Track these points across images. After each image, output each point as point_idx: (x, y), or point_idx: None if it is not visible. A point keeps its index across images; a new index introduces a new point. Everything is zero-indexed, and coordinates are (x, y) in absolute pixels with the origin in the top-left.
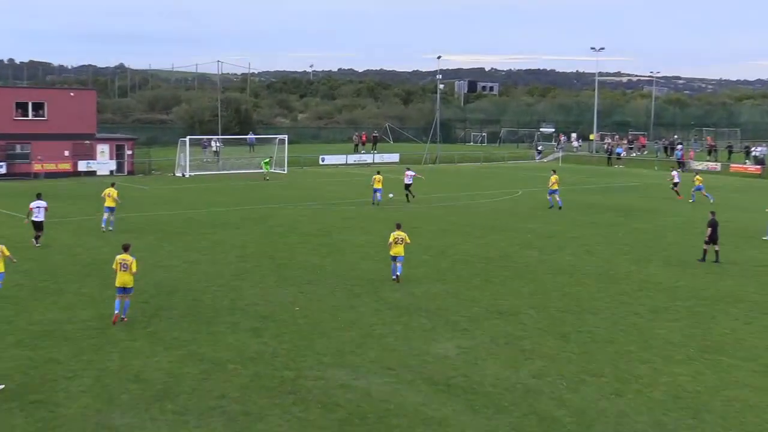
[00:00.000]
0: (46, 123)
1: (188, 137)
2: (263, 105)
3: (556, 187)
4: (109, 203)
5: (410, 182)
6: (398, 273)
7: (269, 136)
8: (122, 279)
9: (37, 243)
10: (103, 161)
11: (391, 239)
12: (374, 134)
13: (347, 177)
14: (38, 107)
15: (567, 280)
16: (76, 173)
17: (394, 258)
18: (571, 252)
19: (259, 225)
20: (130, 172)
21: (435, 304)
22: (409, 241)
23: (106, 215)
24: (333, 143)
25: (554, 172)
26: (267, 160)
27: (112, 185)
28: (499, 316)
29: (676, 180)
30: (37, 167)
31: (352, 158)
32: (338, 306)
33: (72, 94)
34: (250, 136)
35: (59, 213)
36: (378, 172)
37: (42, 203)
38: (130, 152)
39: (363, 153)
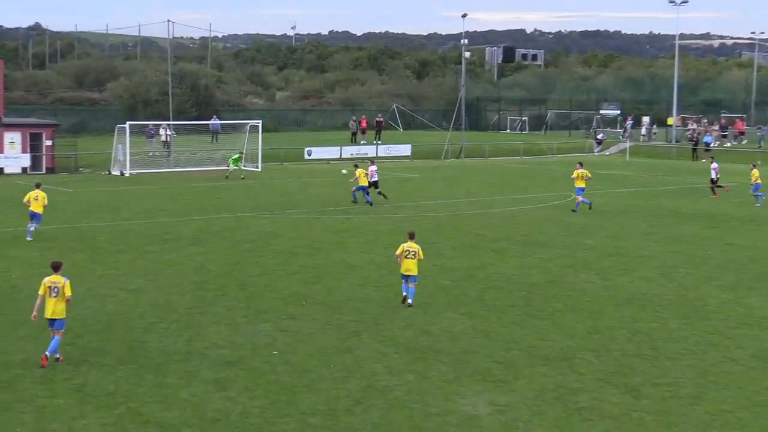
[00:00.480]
0: None
1: (128, 123)
2: (229, 80)
3: (582, 184)
4: (35, 207)
5: (377, 179)
6: (410, 299)
7: (238, 122)
8: (52, 307)
9: None
10: (12, 155)
11: (399, 251)
12: (378, 119)
13: (342, 176)
14: None
15: (637, 313)
16: None
17: (406, 277)
18: (642, 276)
19: (224, 240)
20: (50, 170)
21: (459, 345)
22: (422, 256)
23: (31, 225)
24: (323, 131)
25: (581, 165)
26: (237, 156)
27: (38, 186)
28: (546, 363)
29: (714, 175)
30: None
31: (349, 151)
32: (329, 348)
33: None
34: (213, 121)
35: None
36: (356, 166)
37: None
38: (49, 143)
39: (363, 144)
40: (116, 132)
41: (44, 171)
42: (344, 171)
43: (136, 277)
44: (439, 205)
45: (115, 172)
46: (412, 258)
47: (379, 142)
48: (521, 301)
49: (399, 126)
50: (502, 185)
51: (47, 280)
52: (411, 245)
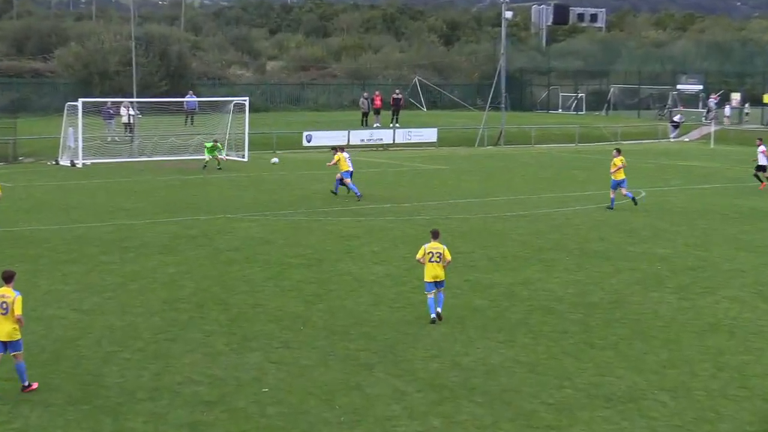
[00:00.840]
0: None
1: (81, 100)
2: (209, 46)
3: (621, 175)
4: None
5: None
6: (439, 307)
7: (219, 99)
8: (1, 328)
9: None
10: None
11: (420, 254)
12: (395, 95)
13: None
14: None
15: (724, 343)
16: None
17: (433, 286)
18: (730, 295)
19: (201, 248)
20: None
21: (497, 382)
22: (449, 258)
23: None
24: (325, 110)
25: (618, 152)
26: (211, 144)
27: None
28: (609, 405)
29: (763, 161)
30: None
31: (359, 136)
32: (334, 384)
33: None
34: (188, 98)
35: None
36: (336, 149)
37: None
38: None
39: (377, 127)
40: (66, 112)
41: None
42: (275, 160)
43: (91, 293)
44: (472, 204)
45: (65, 162)
46: (437, 261)
47: (397, 125)
48: (576, 326)
49: (422, 105)
50: (552, 180)
51: None
52: (435, 246)
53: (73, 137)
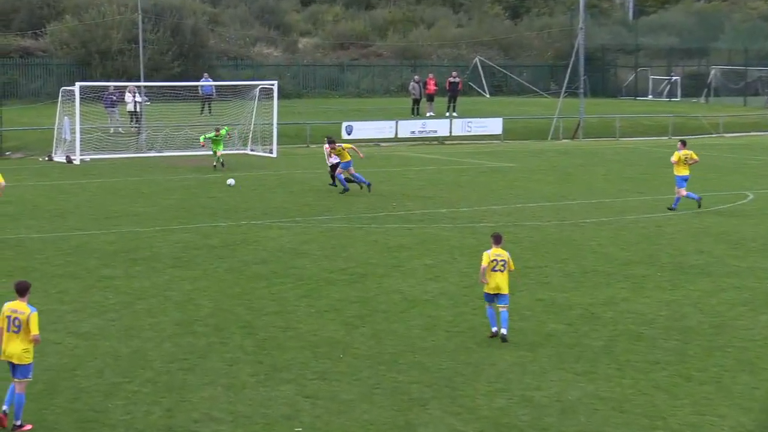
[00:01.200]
0: None
1: (78, 84)
2: (229, 20)
3: (685, 171)
4: None
5: (336, 161)
6: (504, 329)
7: (241, 83)
8: (11, 347)
9: None
10: None
11: (485, 261)
12: (452, 78)
13: (398, 165)
14: None
15: None
16: None
17: (492, 297)
18: None
19: (222, 260)
20: None
21: (575, 421)
22: (513, 267)
23: None
24: (368, 97)
25: (683, 144)
26: (213, 134)
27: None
28: None
29: None
30: None
31: (408, 127)
32: (379, 423)
33: None
34: (205, 81)
35: None
36: (331, 142)
37: None
38: None
39: (430, 117)
40: (60, 98)
41: None
42: (231, 182)
43: (91, 314)
44: (545, 209)
45: (60, 158)
46: (501, 270)
47: (455, 114)
48: (670, 355)
49: (484, 90)
50: (640, 180)
51: (6, 308)
52: (499, 252)
53: (69, 128)
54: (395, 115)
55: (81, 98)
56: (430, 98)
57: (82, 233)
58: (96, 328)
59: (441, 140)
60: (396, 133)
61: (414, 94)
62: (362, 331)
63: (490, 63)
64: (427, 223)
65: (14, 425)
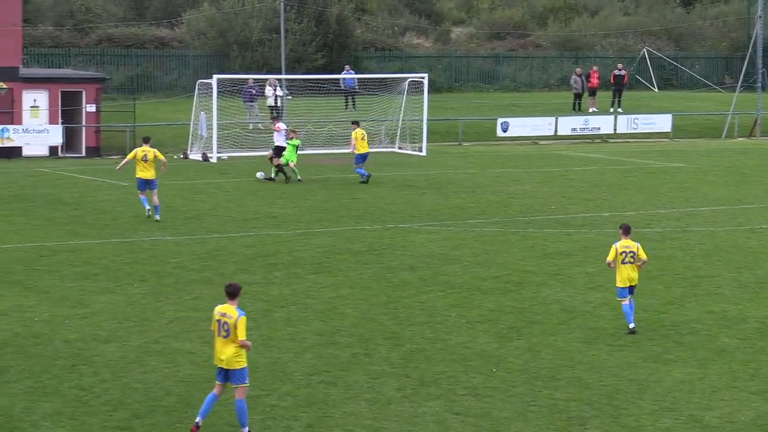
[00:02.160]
0: None
1: (215, 77)
2: (377, 9)
3: None
4: (144, 172)
5: (283, 144)
6: (631, 323)
7: (390, 76)
8: (220, 352)
9: None
10: (36, 126)
11: (611, 255)
12: (617, 71)
13: (557, 165)
14: None
15: None
16: None
17: (626, 292)
18: None
19: (367, 266)
20: (93, 150)
21: None
22: (645, 257)
23: (143, 195)
24: (526, 91)
25: None
26: (296, 142)
27: (146, 141)
28: None
29: None
30: None
31: (569, 124)
32: None
33: None
34: (347, 74)
35: None
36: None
37: None
38: (92, 108)
39: (593, 112)
40: (197, 91)
41: (83, 153)
42: (260, 175)
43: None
44: (718, 213)
45: (195, 156)
46: (630, 262)
47: (620, 109)
48: None
49: (652, 84)
50: None
51: (216, 311)
52: (627, 244)
53: (206, 124)
54: (555, 111)
55: (218, 92)
56: (593, 93)
57: (218, 236)
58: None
59: (604, 138)
60: (555, 131)
61: (576, 88)
62: (517, 343)
63: (659, 54)
64: (589, 228)
65: None
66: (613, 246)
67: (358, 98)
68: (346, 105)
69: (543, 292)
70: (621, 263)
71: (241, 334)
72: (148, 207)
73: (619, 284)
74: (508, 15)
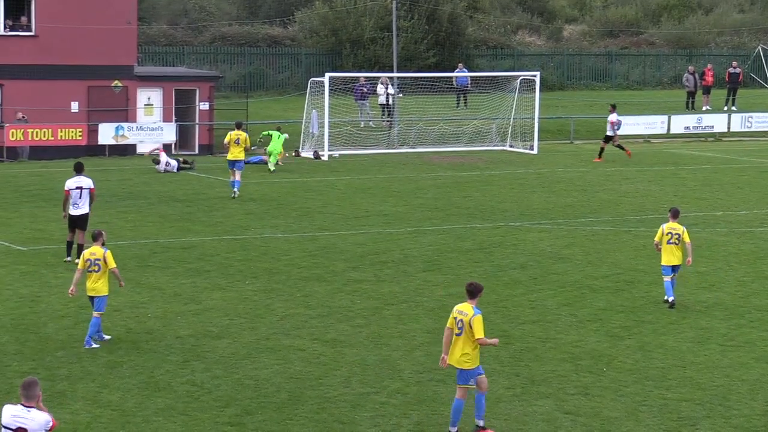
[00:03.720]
0: (32, 43)
1: (328, 75)
2: (489, 6)
3: None
4: (234, 154)
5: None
6: (671, 296)
7: (502, 74)
8: (452, 351)
9: (70, 257)
10: (149, 124)
11: (658, 236)
12: (732, 69)
13: (669, 163)
14: (17, 9)
15: None
16: (94, 148)
17: (670, 270)
18: None
19: (477, 264)
20: (206, 149)
21: None
22: (689, 240)
23: (232, 178)
24: (638, 89)
25: None
26: (277, 133)
27: (239, 126)
28: None
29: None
30: (14, 135)
31: (682, 122)
32: None
33: None
34: (459, 72)
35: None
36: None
37: (84, 182)
38: (205, 106)
39: (706, 111)
40: (309, 89)
41: (197, 150)
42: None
43: (338, 320)
44: None
45: (307, 154)
46: (675, 243)
47: (734, 108)
48: None
49: (766, 80)
50: None
51: (455, 310)
52: (674, 226)
53: (317, 122)
54: (668, 110)
55: (330, 90)
56: (707, 91)
57: (329, 234)
58: (342, 335)
59: (718, 137)
60: (668, 129)
61: (689, 86)
62: (627, 343)
63: None
64: (701, 227)
65: (477, 426)
66: (661, 227)
67: (470, 96)
68: (458, 103)
69: (654, 291)
70: (666, 243)
71: (478, 332)
72: (236, 189)
73: (663, 263)
74: (622, 13)
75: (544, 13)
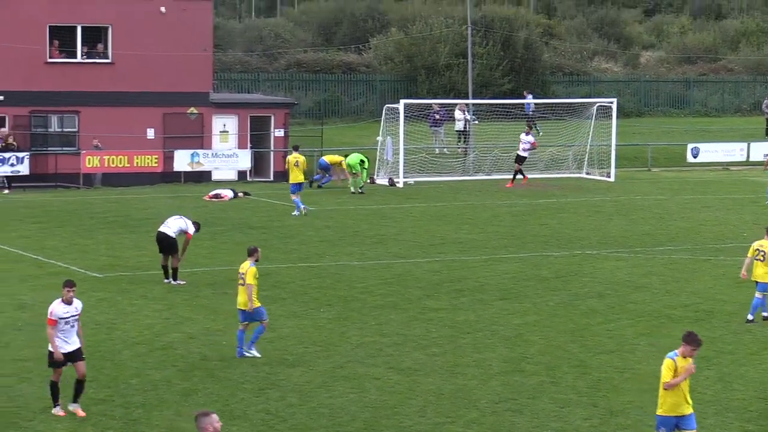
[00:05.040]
0: (108, 70)
1: (402, 102)
2: (565, 32)
3: None
4: (296, 176)
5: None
6: (765, 312)
7: (578, 101)
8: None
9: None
10: (225, 151)
11: (750, 252)
12: None
13: (749, 191)
14: (93, 37)
15: None
16: (170, 175)
17: (766, 287)
18: None
19: (554, 293)
20: (281, 174)
21: None
22: None
23: (295, 197)
24: (717, 116)
25: None
26: (362, 158)
27: (296, 149)
28: None
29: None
30: (90, 162)
31: (762, 149)
32: None
33: (162, 9)
34: (528, 98)
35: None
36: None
37: (181, 224)
38: (280, 133)
39: None
40: (384, 116)
41: (271, 177)
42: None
43: (413, 348)
44: None
45: (382, 181)
46: (761, 260)
47: None
48: None
49: None
50: None
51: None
52: (762, 243)
53: (392, 149)
54: (747, 137)
55: (405, 116)
56: None
57: (404, 261)
58: (418, 364)
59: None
60: (747, 156)
61: (767, 112)
62: (707, 374)
63: None
64: None
65: None
66: (752, 244)
67: (548, 123)
68: (530, 127)
69: (734, 321)
70: (754, 259)
71: (663, 375)
72: (303, 206)
73: (753, 278)
74: (699, 39)
75: (620, 40)
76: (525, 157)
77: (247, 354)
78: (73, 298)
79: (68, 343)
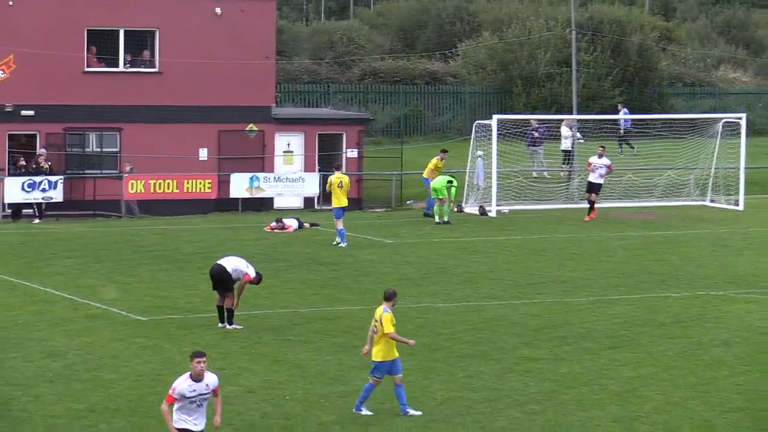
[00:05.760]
0: (155, 81)
1: (496, 117)
2: (686, 37)
3: None
4: (338, 200)
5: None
6: None
7: (700, 116)
8: None
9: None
10: (289, 174)
11: None
12: None
13: None
14: (138, 43)
15: None
16: (225, 202)
17: None
18: None
19: (673, 341)
20: (354, 201)
21: None
22: None
23: (340, 225)
24: None
25: None
26: (449, 179)
27: (338, 168)
28: None
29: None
30: (134, 188)
31: None
32: None
33: (218, 10)
34: (622, 112)
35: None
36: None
37: (241, 265)
38: (353, 153)
39: None
40: (474, 134)
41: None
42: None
43: (508, 405)
44: None
45: (472, 209)
46: None
47: None
48: None
49: None
50: None
51: None
52: None
53: (483, 172)
54: None
55: (498, 134)
56: None
57: (497, 303)
58: (513, 423)
59: None
60: None
61: None
62: None
63: None
64: None
65: None
66: None
67: (642, 143)
68: (621, 147)
69: None
70: None
71: None
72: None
73: None
74: None
75: (750, 45)
76: (600, 185)
77: (411, 412)
78: (205, 371)
79: (190, 423)
